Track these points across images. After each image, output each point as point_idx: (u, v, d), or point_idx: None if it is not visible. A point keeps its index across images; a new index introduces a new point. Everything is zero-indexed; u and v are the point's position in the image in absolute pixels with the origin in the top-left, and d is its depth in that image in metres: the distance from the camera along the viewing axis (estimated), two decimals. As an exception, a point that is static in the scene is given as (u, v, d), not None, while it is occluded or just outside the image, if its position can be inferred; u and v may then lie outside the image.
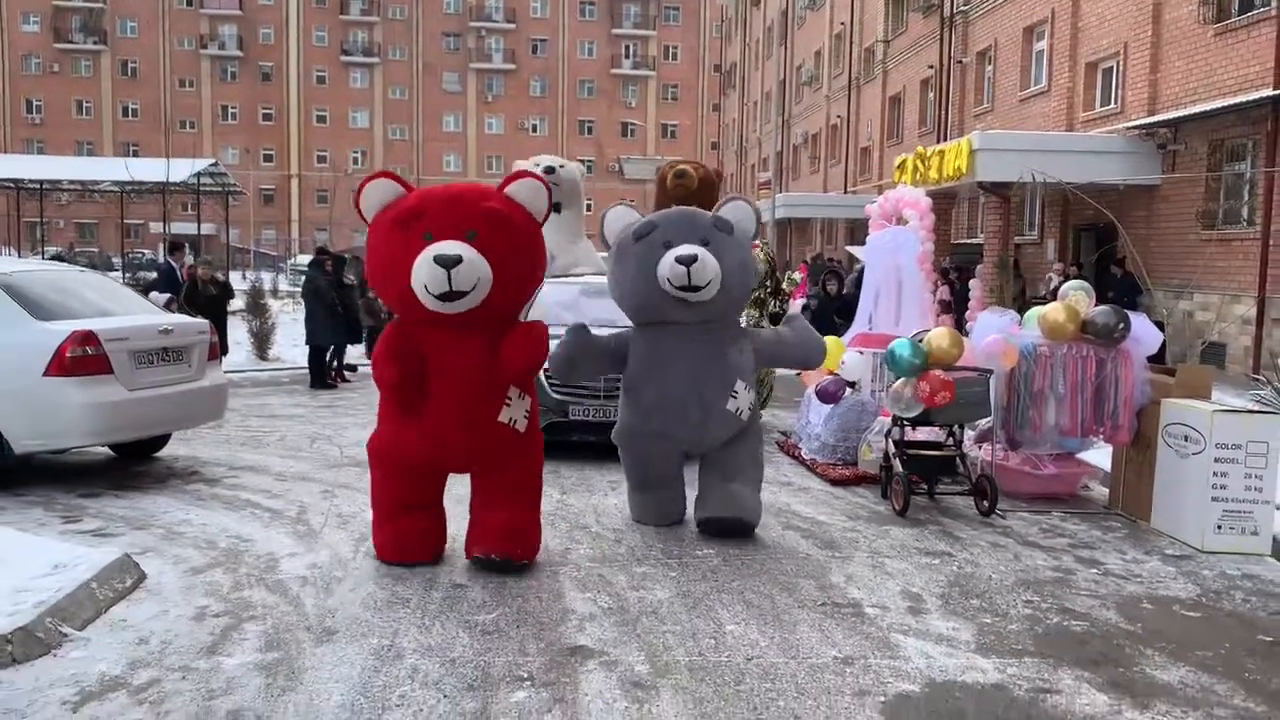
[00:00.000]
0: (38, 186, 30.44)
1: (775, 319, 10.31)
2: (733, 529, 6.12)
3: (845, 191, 36.22)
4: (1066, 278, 17.10)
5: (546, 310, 8.92)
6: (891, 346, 6.98)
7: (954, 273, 20.84)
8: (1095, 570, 5.90)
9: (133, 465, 8.03)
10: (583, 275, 10.83)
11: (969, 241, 24.80)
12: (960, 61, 26.11)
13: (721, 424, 6.10)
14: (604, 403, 8.28)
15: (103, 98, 75.27)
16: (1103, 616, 5.10)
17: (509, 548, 5.31)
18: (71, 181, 30.76)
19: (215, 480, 7.55)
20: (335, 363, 13.56)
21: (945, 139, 24.07)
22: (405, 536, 5.44)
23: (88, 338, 6.85)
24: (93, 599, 4.71)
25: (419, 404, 5.15)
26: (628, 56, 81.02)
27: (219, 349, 8.86)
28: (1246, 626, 5.04)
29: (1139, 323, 7.18)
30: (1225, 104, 15.29)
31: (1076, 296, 7.22)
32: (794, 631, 4.68)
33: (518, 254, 5.14)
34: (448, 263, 4.81)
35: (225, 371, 9.02)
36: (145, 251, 54.66)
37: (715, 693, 4.00)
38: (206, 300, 12.48)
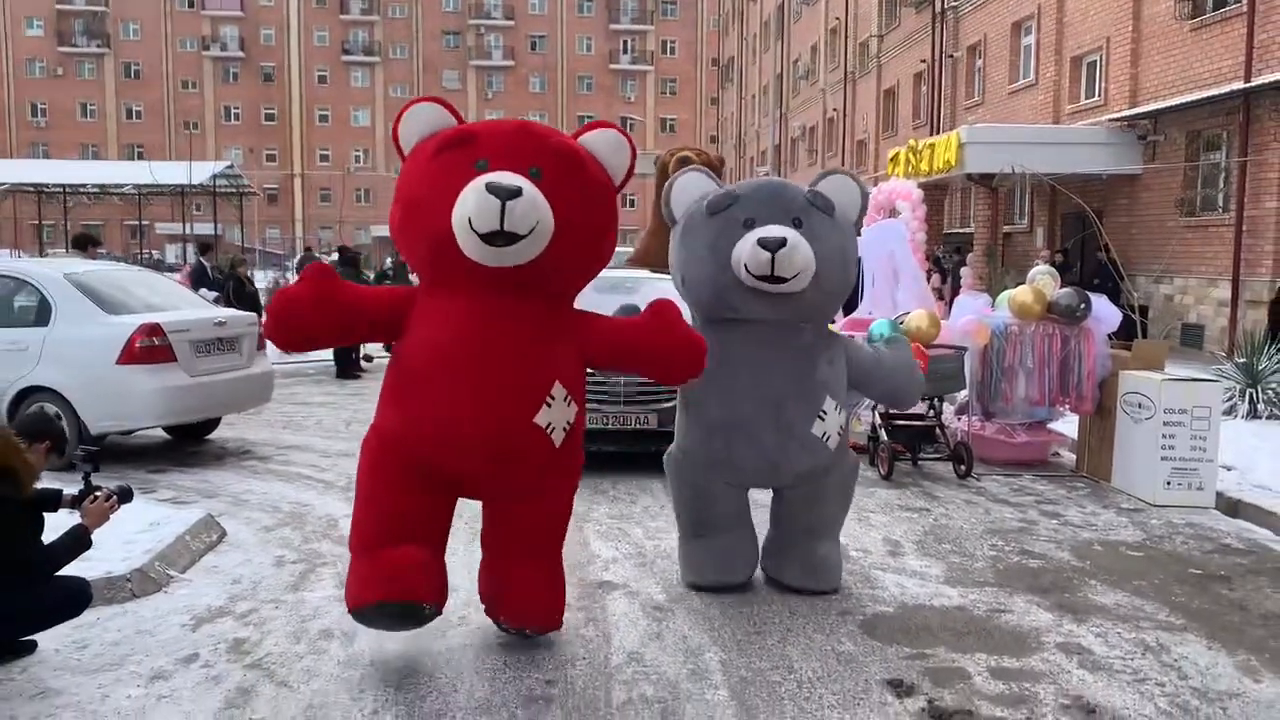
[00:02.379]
0: (60, 190, 31.20)
1: None
2: (811, 593, 5.05)
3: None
4: (1052, 264, 17.91)
5: None
6: (871, 327, 7.76)
7: (952, 256, 21.61)
8: (1056, 521, 6.68)
9: (189, 446, 8.82)
10: None
11: (961, 231, 25.54)
12: (951, 56, 26.82)
13: (803, 453, 4.87)
14: (623, 408, 7.61)
15: (106, 100, 75.94)
16: (1057, 556, 5.89)
17: (546, 620, 4.30)
18: (95, 185, 31.51)
19: (267, 458, 8.35)
20: (354, 353, 14.37)
21: (938, 132, 24.81)
22: (399, 566, 3.90)
23: (155, 329, 7.62)
24: (188, 549, 5.51)
25: (434, 382, 3.87)
26: (626, 52, 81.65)
27: (265, 340, 9.64)
28: (1180, 563, 5.83)
29: (1099, 303, 7.95)
30: (1201, 96, 16.03)
31: (1043, 280, 8.01)
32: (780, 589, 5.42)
33: (590, 209, 3.96)
34: (505, 193, 3.59)
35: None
36: (153, 252, 55.49)
37: (720, 613, 4.80)
38: (249, 296, 13.27)
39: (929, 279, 18.27)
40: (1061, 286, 8.43)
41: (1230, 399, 9.89)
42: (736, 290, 4.75)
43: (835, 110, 38.95)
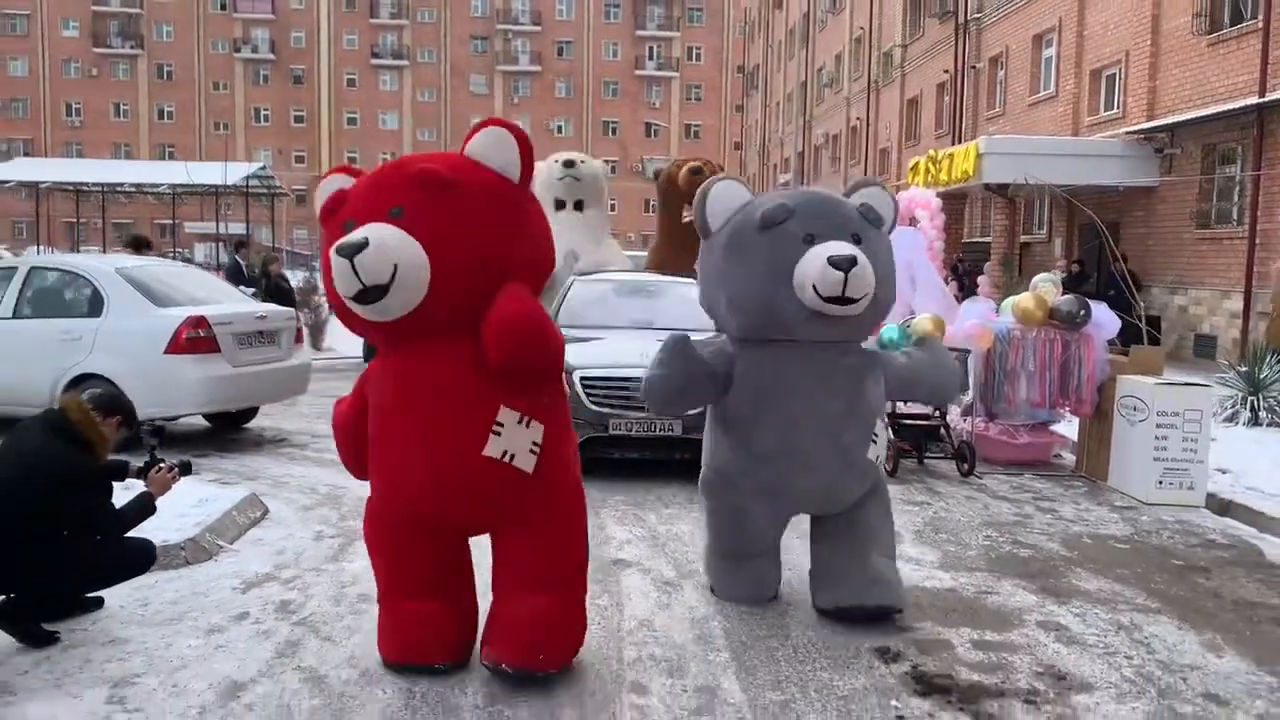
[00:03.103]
0: (99, 190, 31.96)
1: None
2: (878, 617, 4.70)
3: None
4: (1068, 274, 18.20)
5: (574, 312, 8.78)
6: (880, 332, 8.11)
7: (963, 265, 21.92)
8: (1050, 516, 7.03)
9: (228, 434, 9.29)
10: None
11: (980, 240, 25.80)
12: (974, 67, 27.10)
13: (861, 478, 4.74)
14: (648, 414, 7.30)
15: (139, 101, 77.14)
16: (1047, 547, 6.24)
17: (527, 655, 3.86)
18: (132, 185, 32.27)
19: (303, 445, 8.80)
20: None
21: (960, 141, 25.08)
22: (406, 625, 4.00)
23: (200, 321, 8.09)
24: (234, 524, 5.95)
25: (383, 442, 3.90)
26: (651, 58, 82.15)
27: (302, 334, 10.11)
28: (1164, 555, 6.17)
29: (1099, 310, 8.28)
30: (1216, 110, 16.28)
31: (1045, 288, 8.36)
32: (789, 553, 5.75)
33: (470, 226, 3.67)
34: (347, 250, 3.50)
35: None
36: (183, 250, 56.41)
37: (727, 588, 5.18)
38: (283, 293, 13.77)
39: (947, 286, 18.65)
40: (1078, 296, 8.76)
41: (1233, 407, 10.20)
42: (794, 311, 4.43)
43: (859, 119, 39.26)
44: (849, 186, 4.90)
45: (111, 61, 76.75)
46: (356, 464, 4.12)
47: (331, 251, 3.57)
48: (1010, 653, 4.47)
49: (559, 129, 79.96)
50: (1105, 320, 8.27)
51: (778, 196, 4.72)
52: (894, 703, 3.90)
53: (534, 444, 3.80)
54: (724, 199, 4.75)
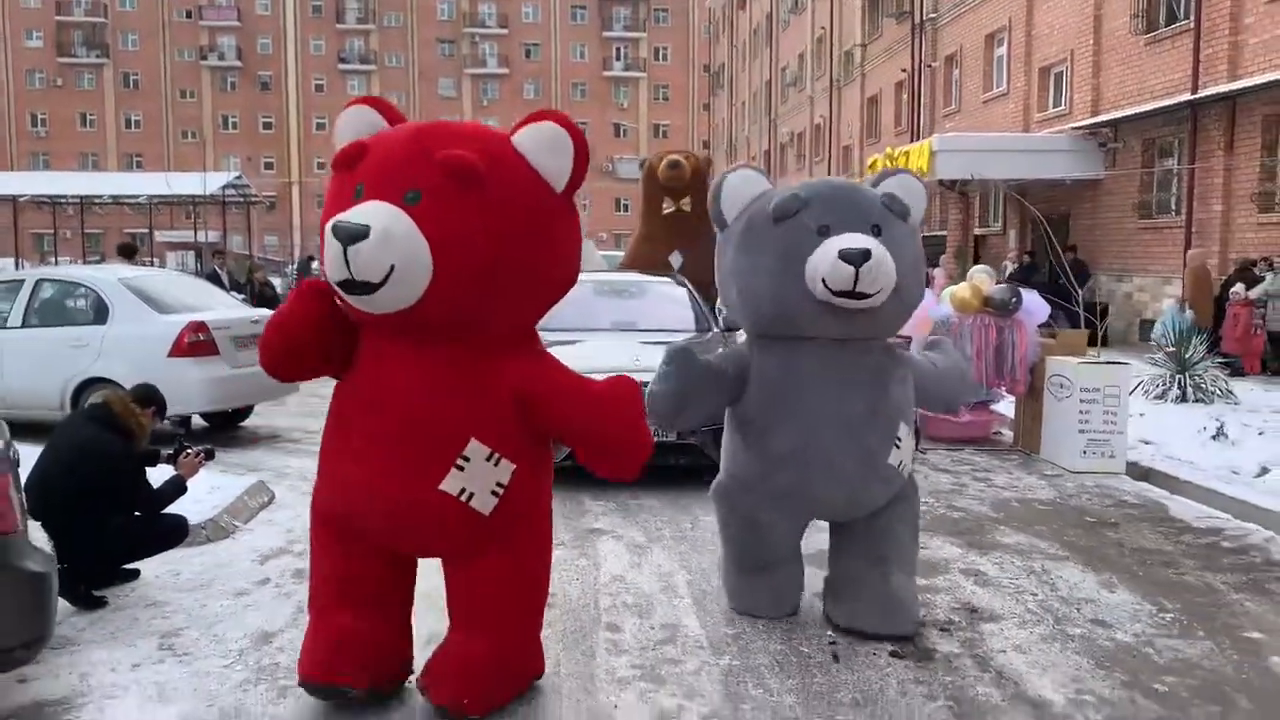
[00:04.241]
0: (77, 201, 32.30)
1: None
2: (888, 639, 4.47)
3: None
4: (1020, 264, 19.06)
5: (553, 314, 9.24)
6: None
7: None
8: (984, 484, 7.78)
9: (227, 431, 9.88)
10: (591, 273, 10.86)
11: (937, 234, 26.65)
12: (930, 66, 27.97)
13: (884, 484, 4.50)
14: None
15: (106, 110, 76.95)
16: (978, 510, 6.98)
17: (450, 698, 3.56)
18: (110, 196, 32.62)
19: (297, 440, 9.42)
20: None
21: (918, 138, 25.92)
22: (327, 641, 3.62)
23: (200, 326, 8.70)
24: (246, 507, 6.59)
25: (333, 438, 3.57)
26: (619, 58, 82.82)
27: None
28: (1080, 514, 6.92)
29: (1030, 298, 9.03)
30: (1154, 106, 17.18)
31: (980, 278, 9.09)
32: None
33: (492, 233, 3.22)
34: (346, 235, 3.08)
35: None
36: (155, 259, 56.47)
37: (691, 549, 5.88)
38: (268, 299, 14.37)
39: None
40: (1030, 285, 9.45)
41: (1164, 385, 11.02)
42: (807, 306, 4.24)
43: (822, 117, 40.11)
44: (877, 174, 4.64)
45: (76, 71, 76.48)
46: (286, 366, 3.63)
47: (327, 228, 3.13)
48: (933, 594, 5.18)
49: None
50: (1035, 307, 9.02)
51: (793, 187, 4.48)
52: (828, 633, 4.59)
53: (498, 485, 3.40)
54: (739, 189, 4.51)
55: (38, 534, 3.91)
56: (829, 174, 38.69)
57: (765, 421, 4.46)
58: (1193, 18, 16.48)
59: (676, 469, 7.16)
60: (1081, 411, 8.19)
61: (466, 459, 3.35)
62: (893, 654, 4.36)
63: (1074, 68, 20.45)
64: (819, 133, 41.07)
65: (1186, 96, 16.34)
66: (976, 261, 22.93)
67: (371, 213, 3.13)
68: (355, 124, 3.53)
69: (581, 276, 10.73)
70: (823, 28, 39.13)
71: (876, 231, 4.22)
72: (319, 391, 12.09)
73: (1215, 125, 16.14)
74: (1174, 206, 17.74)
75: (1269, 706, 3.93)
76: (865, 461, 4.39)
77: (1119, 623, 4.79)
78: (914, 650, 4.42)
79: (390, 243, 3.10)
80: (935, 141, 20.12)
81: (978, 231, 24.60)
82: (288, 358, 3.57)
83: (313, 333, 3.48)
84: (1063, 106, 21.13)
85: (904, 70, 29.57)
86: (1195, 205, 16.53)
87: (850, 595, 4.59)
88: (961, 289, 9.06)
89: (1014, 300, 8.88)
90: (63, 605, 4.79)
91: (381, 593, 3.71)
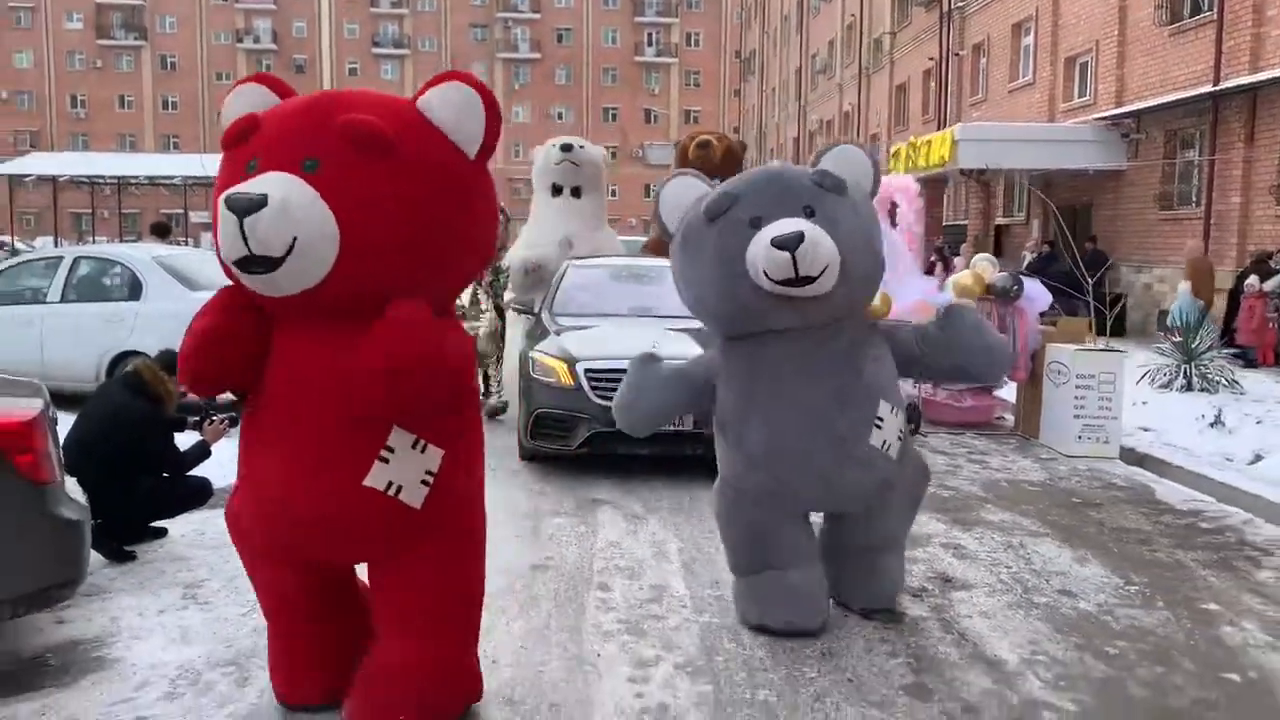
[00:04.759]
0: (114, 181, 32.98)
1: None
2: (870, 614, 4.63)
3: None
4: (1039, 254, 19.16)
5: (569, 298, 8.63)
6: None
7: (948, 248, 22.89)
8: (978, 466, 8.02)
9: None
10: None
11: (960, 223, 26.74)
12: (958, 54, 27.97)
13: (865, 469, 4.30)
14: None
15: (144, 92, 78.00)
16: (968, 489, 7.23)
17: (390, 703, 3.28)
18: (146, 177, 33.27)
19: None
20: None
21: (944, 127, 25.98)
22: (288, 660, 3.50)
23: (229, 304, 9.06)
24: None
25: (247, 439, 3.29)
26: (650, 44, 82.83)
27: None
28: (1067, 494, 7.16)
29: (1031, 286, 9.24)
30: (1177, 97, 17.21)
31: (982, 266, 9.31)
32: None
33: (401, 200, 2.99)
34: (241, 207, 2.84)
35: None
36: (191, 239, 57.41)
37: (685, 520, 6.19)
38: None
39: (934, 270, 19.60)
40: (1048, 274, 9.57)
41: (1170, 374, 11.18)
42: (758, 301, 4.12)
43: (851, 105, 40.10)
44: (816, 152, 4.46)
45: (115, 53, 77.55)
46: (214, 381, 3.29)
47: (220, 201, 2.88)
48: (911, 564, 5.40)
49: (559, 115, 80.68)
50: (1036, 295, 9.23)
51: (724, 185, 4.41)
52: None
53: (427, 473, 3.15)
54: (677, 196, 4.51)
55: (74, 488, 4.26)
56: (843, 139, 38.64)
57: (737, 421, 4.40)
58: (1215, 9, 16.49)
59: (691, 459, 7.06)
60: (1077, 397, 8.40)
61: (391, 449, 3.07)
62: (863, 613, 4.64)
63: (1099, 58, 20.45)
64: (848, 120, 41.05)
65: (1208, 88, 16.36)
66: (997, 251, 23.07)
67: (269, 182, 2.89)
68: (246, 103, 3.25)
69: (600, 261, 10.60)
70: (853, 15, 39.10)
71: (809, 213, 4.09)
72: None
73: (1236, 117, 16.17)
74: (1194, 198, 17.77)
75: (1208, 667, 4.19)
76: (837, 448, 4.24)
77: (1084, 593, 5.05)
78: (884, 612, 4.65)
79: (290, 212, 2.84)
80: (957, 131, 20.21)
81: (1000, 221, 24.65)
82: (212, 371, 3.18)
83: (238, 346, 3.15)
84: (1087, 97, 21.14)
85: (932, 58, 29.56)
86: (1214, 197, 16.57)
87: (840, 574, 4.62)
88: (964, 276, 9.29)
89: (1015, 288, 9.09)
90: (96, 558, 5.18)
91: (325, 605, 3.43)
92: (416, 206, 3.00)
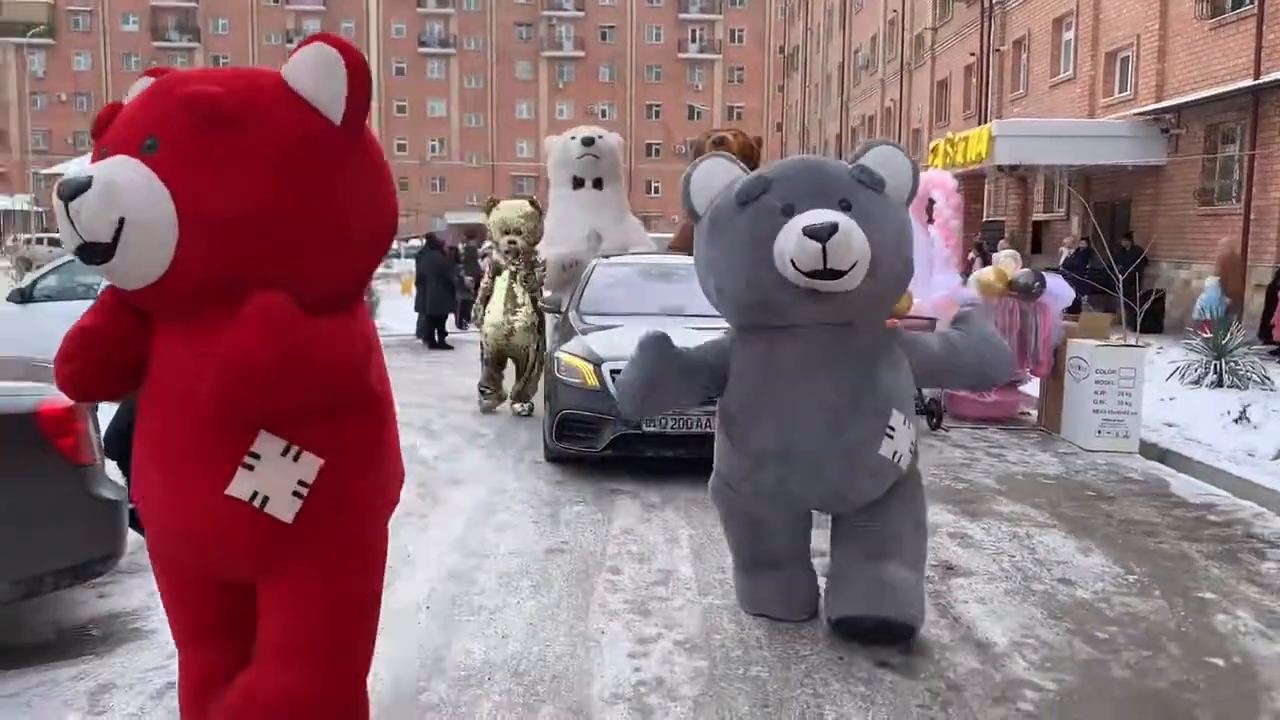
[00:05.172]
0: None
1: None
2: (884, 631, 4.23)
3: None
4: (1076, 250, 19.08)
5: (597, 297, 8.59)
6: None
7: (986, 244, 22.82)
8: (996, 459, 8.12)
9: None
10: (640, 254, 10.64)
11: (998, 219, 26.60)
12: (999, 49, 27.80)
13: (874, 478, 4.21)
14: (685, 409, 6.83)
15: (196, 92, 79.47)
16: (982, 482, 7.35)
17: None
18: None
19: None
20: (436, 331, 16.35)
21: (985, 122, 25.87)
22: (189, 684, 3.20)
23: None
24: (303, 462, 7.25)
25: (145, 443, 2.98)
26: (694, 40, 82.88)
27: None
28: (1081, 488, 7.25)
29: (1055, 282, 9.31)
30: (1217, 92, 17.04)
31: (1005, 262, 9.39)
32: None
33: (249, 175, 2.67)
34: (67, 191, 2.63)
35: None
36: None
37: (700, 509, 6.36)
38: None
39: (972, 266, 19.55)
40: (1084, 271, 9.57)
41: (1200, 370, 11.16)
42: (782, 292, 3.99)
43: (893, 100, 39.94)
44: (858, 149, 4.33)
45: (169, 54, 79.01)
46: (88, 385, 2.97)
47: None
48: (916, 552, 5.60)
49: (602, 113, 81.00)
50: (1060, 291, 9.30)
51: (762, 169, 4.35)
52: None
53: (300, 484, 2.82)
54: (707, 179, 4.38)
55: (114, 471, 4.55)
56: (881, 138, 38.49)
57: (746, 418, 4.29)
58: (1256, 3, 16.32)
59: (675, 461, 7.10)
60: (1097, 392, 8.47)
61: (256, 455, 2.77)
62: (871, 629, 4.25)
63: (1139, 52, 20.27)
64: (889, 116, 40.90)
65: (1249, 82, 16.19)
66: (1036, 247, 22.97)
67: (101, 166, 2.68)
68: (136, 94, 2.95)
69: (627, 258, 10.57)
70: (895, 10, 38.92)
71: (845, 206, 3.96)
72: (395, 350, 12.80)
73: (1276, 111, 15.99)
74: (1234, 193, 17.59)
75: (1194, 652, 4.31)
76: (849, 456, 4.12)
77: (1083, 582, 5.18)
78: (901, 629, 4.26)
79: (114, 192, 2.60)
80: (995, 127, 20.15)
81: (1039, 217, 24.50)
82: (90, 373, 2.89)
83: (120, 348, 2.89)
84: (1128, 92, 20.95)
85: (973, 54, 29.40)
86: (1254, 192, 16.40)
87: (842, 588, 4.33)
88: (986, 273, 9.38)
89: (1037, 284, 9.17)
90: (136, 538, 5.49)
91: (224, 624, 3.11)
92: (267, 181, 2.66)
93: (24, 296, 10.18)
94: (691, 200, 4.40)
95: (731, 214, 4.16)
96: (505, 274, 9.70)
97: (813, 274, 3.86)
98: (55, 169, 36.84)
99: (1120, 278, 11.44)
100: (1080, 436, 8.62)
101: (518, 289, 9.56)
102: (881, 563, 4.25)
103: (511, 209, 9.77)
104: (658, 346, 4.30)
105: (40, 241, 38.48)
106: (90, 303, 2.96)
